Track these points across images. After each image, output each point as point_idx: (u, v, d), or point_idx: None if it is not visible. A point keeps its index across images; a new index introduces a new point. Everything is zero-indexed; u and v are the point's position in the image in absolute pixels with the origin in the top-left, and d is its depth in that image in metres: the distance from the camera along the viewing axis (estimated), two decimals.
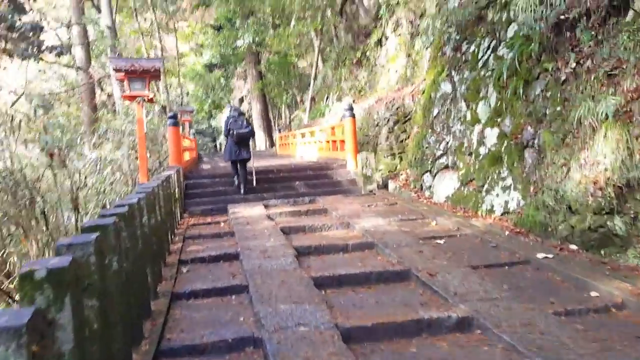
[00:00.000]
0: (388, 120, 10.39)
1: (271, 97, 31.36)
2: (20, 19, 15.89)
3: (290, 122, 32.20)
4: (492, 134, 6.84)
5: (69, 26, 21.51)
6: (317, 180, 9.79)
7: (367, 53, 14.63)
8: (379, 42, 14.02)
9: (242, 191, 8.91)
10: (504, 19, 7.28)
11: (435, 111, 8.55)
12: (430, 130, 8.60)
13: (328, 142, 12.18)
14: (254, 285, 4.14)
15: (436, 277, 4.19)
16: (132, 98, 7.70)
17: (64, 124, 16.27)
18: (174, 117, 9.41)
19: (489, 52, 7.46)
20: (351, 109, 10.13)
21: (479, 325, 3.34)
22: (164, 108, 24.89)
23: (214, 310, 3.93)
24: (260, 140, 29.21)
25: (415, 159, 8.90)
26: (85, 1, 20.73)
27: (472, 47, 7.91)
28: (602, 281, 3.94)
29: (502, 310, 3.49)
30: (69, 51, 22.49)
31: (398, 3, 12.69)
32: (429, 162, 8.37)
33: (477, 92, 7.50)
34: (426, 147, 8.59)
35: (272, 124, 32.35)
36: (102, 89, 23.55)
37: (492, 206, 6.48)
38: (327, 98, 18.19)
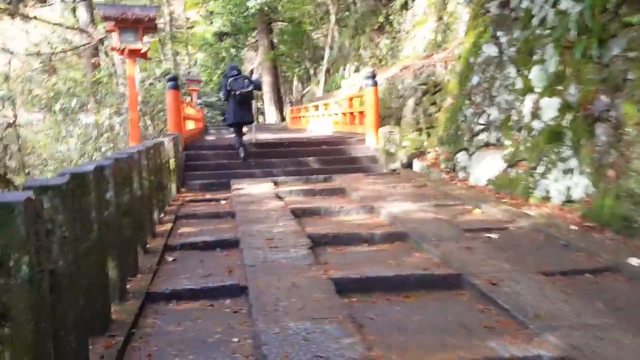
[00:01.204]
0: (415, 90, 9.20)
1: (283, 70, 30.08)
2: None
3: (302, 97, 30.99)
4: (550, 105, 5.65)
5: None
6: (333, 156, 8.67)
7: (390, 18, 13.33)
8: (404, 5, 12.72)
9: (241, 155, 8.14)
10: None
11: (475, 79, 7.35)
12: (467, 102, 7.41)
13: (345, 114, 11.02)
14: (256, 289, 3.08)
15: (500, 286, 3.10)
16: (122, 51, 6.59)
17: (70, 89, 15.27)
18: (174, 79, 8.28)
19: (546, 6, 6.21)
20: (373, 76, 8.94)
21: None
22: (168, 74, 23.77)
23: (200, 321, 2.89)
24: (270, 114, 28.04)
25: (447, 134, 7.73)
26: None
27: (525, 2, 6.66)
28: None
29: (610, 348, 2.39)
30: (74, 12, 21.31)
31: None
32: (465, 138, 7.21)
33: (530, 54, 6.28)
34: (462, 121, 7.41)
35: (283, 97, 31.13)
36: (106, 53, 22.39)
37: (548, 192, 5.33)
38: (343, 69, 16.93)
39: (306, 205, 5.47)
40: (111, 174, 2.96)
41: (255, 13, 24.50)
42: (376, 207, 5.25)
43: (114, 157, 3.18)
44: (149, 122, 11.26)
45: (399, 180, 7.20)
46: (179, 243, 4.10)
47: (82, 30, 18.49)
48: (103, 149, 9.96)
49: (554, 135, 5.48)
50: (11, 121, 16.68)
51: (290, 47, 25.85)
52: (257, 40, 28.97)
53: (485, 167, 6.51)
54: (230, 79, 7.95)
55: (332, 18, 20.45)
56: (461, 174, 7.09)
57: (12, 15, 16.54)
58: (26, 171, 14.73)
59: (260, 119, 33.46)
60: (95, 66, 16.64)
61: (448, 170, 7.42)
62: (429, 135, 8.64)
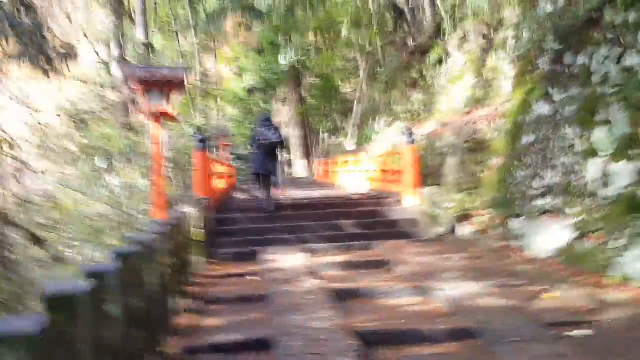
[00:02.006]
0: (457, 148, 8.63)
1: (311, 123, 30.04)
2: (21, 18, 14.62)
3: (329, 149, 30.74)
4: (623, 171, 5.00)
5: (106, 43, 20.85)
6: (370, 219, 8.06)
7: (424, 73, 12.99)
8: (439, 61, 12.36)
9: (270, 208, 8.09)
10: (630, 20, 5.51)
11: (526, 139, 6.76)
12: (518, 163, 6.80)
13: (380, 171, 10.49)
14: None
15: None
16: (150, 114, 6.26)
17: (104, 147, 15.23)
18: (203, 140, 7.93)
19: (608, 62, 5.67)
20: (410, 133, 8.44)
21: None
22: (199, 130, 23.86)
23: None
24: (298, 167, 27.79)
25: (497, 197, 7.08)
26: (124, 18, 19.98)
27: (582, 59, 6.14)
28: None
29: None
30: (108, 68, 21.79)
31: (464, 16, 11.06)
32: (518, 203, 6.54)
33: (592, 114, 5.69)
34: (513, 184, 6.77)
35: (311, 150, 30.95)
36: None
37: (629, 272, 4.59)
38: (373, 122, 16.58)
39: (347, 285, 4.84)
40: (116, 281, 2.38)
41: (286, 70, 24.71)
42: (429, 287, 4.58)
43: (123, 252, 2.62)
44: (179, 181, 10.95)
45: (446, 249, 6.52)
46: (200, 344, 3.47)
47: (114, 88, 18.76)
48: (132, 212, 9.60)
49: (632, 204, 4.79)
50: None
51: (320, 100, 25.83)
52: (286, 96, 29.18)
53: (547, 237, 5.80)
54: (261, 128, 7.94)
55: (362, 73, 20.34)
56: (516, 243, 6.37)
57: (47, 74, 16.86)
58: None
59: (286, 169, 33.32)
60: (127, 125, 16.69)
61: (500, 238, 6.71)
62: (474, 196, 7.98)
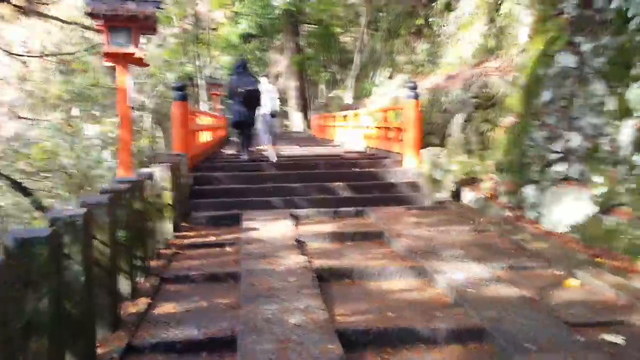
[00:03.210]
0: (465, 104, 7.80)
1: (309, 74, 28.86)
2: None
3: (328, 102, 29.73)
4: None
5: None
6: (366, 181, 7.33)
7: (430, 20, 11.91)
8: (447, 6, 11.30)
9: (245, 157, 8.10)
10: None
11: (547, 95, 5.93)
12: (536, 122, 6.00)
13: (379, 128, 9.69)
14: None
15: None
16: (112, 57, 5.39)
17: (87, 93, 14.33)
18: (180, 88, 7.08)
19: None
20: (414, 87, 7.59)
21: None
22: (190, 79, 22.76)
23: None
24: (296, 120, 26.85)
25: (509, 161, 6.33)
26: None
27: (616, 1, 5.23)
28: None
29: None
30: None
31: None
32: (535, 168, 5.79)
33: (627, 67, 4.86)
34: (529, 146, 5.99)
35: (308, 102, 29.90)
36: None
37: None
38: (373, 75, 15.57)
39: (333, 263, 4.15)
40: (45, 252, 1.72)
41: (281, 15, 23.39)
42: (428, 268, 3.90)
43: (58, 216, 1.92)
44: (160, 134, 10.15)
45: (450, 218, 5.83)
46: (149, 343, 2.79)
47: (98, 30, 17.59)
48: (107, 163, 8.85)
49: None
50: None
51: (318, 50, 24.63)
52: (283, 44, 27.85)
53: (566, 208, 5.08)
54: (234, 77, 7.59)
55: (363, 20, 19.12)
56: (531, 214, 5.67)
57: (27, 14, 15.71)
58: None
59: (283, 123, 32.36)
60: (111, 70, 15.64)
61: (511, 206, 6.00)
62: (482, 158, 7.23)
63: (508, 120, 6.78)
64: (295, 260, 4.05)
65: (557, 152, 5.51)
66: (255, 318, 2.95)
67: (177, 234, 5.16)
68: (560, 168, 5.40)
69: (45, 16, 16.15)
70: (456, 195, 6.96)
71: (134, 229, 3.53)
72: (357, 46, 19.38)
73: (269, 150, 10.64)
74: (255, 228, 5.13)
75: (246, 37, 27.15)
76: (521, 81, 6.65)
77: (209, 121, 10.99)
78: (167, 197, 4.89)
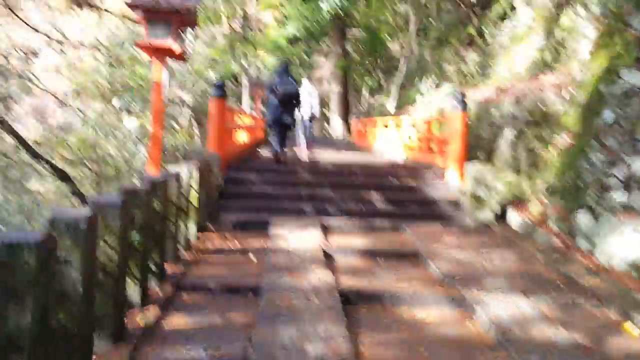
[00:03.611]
0: (516, 119, 7.31)
1: (352, 79, 28.55)
2: None
3: (370, 108, 29.36)
4: None
5: None
6: (403, 193, 6.96)
7: (483, 30, 11.40)
8: (502, 16, 10.76)
9: (280, 159, 7.90)
10: None
11: (609, 115, 5.42)
12: (595, 143, 5.49)
13: (421, 139, 9.28)
14: None
15: None
16: (150, 50, 5.23)
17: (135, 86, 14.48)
18: (220, 86, 6.90)
19: None
20: (462, 98, 7.17)
21: None
22: (236, 79, 22.81)
23: None
24: (336, 125, 26.57)
25: (561, 183, 5.83)
26: None
27: None
28: None
29: None
30: None
31: None
32: (590, 193, 5.29)
33: None
34: (586, 169, 5.49)
35: (350, 108, 29.59)
36: None
37: None
38: (419, 83, 15.10)
39: (363, 284, 3.82)
40: (34, 259, 1.49)
41: (330, 18, 23.19)
42: (469, 298, 3.51)
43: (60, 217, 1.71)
44: (197, 131, 10.06)
45: (494, 242, 5.39)
46: None
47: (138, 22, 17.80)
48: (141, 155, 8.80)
49: None
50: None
51: (363, 55, 24.31)
52: (329, 47, 27.67)
53: (624, 241, 4.58)
54: (276, 77, 7.59)
55: (412, 27, 18.68)
56: (583, 243, 5.17)
57: (80, 5, 16.07)
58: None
59: (322, 127, 32.15)
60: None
61: (561, 233, 5.51)
62: (531, 178, 6.73)
63: (564, 139, 6.27)
64: (321, 276, 3.75)
65: (617, 178, 5.00)
66: (272, 343, 2.65)
67: (202, 236, 4.94)
68: (620, 196, 4.89)
69: (98, 8, 16.48)
70: (501, 216, 6.50)
71: (151, 230, 3.31)
72: (403, 53, 18.94)
73: (303, 152, 10.39)
74: (283, 236, 4.85)
75: (292, 40, 27.14)
76: (580, 98, 6.14)
77: (247, 121, 10.83)
78: (194, 197, 4.68)
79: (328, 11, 19.23)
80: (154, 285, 3.35)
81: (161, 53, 5.28)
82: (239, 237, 5.13)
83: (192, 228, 4.66)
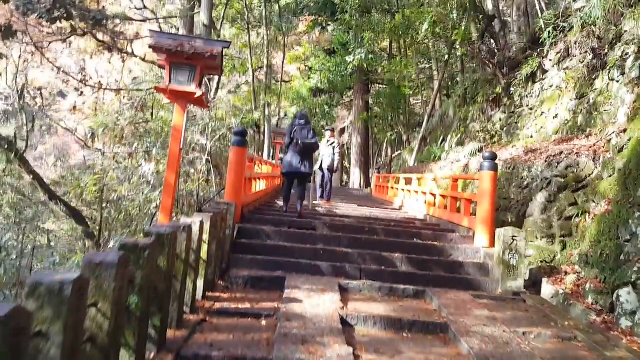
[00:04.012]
0: (549, 182, 6.94)
1: (374, 133, 28.59)
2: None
3: (391, 162, 29.24)
4: None
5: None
6: (428, 255, 6.54)
7: (511, 89, 11.22)
8: (532, 77, 10.59)
9: (296, 215, 7.52)
10: None
11: None
12: (637, 213, 5.08)
13: (446, 197, 8.92)
14: None
15: None
16: (172, 94, 5.07)
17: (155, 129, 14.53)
18: (241, 134, 6.73)
19: None
20: (493, 158, 6.85)
21: None
22: (257, 127, 22.95)
23: None
24: (355, 177, 26.39)
25: (598, 254, 5.38)
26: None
27: None
28: None
29: None
30: None
31: (569, 26, 9.26)
32: (632, 268, 4.84)
33: None
34: (626, 240, 5.06)
35: (371, 161, 29.48)
36: None
37: None
38: (443, 140, 14.89)
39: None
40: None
41: (353, 72, 23.47)
42: None
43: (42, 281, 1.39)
44: (214, 178, 9.89)
45: (527, 315, 4.91)
46: None
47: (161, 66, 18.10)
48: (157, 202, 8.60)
49: None
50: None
51: (386, 109, 24.38)
52: (351, 100, 27.92)
53: None
54: (296, 128, 7.40)
55: (436, 84, 18.70)
56: (625, 322, 4.67)
57: (110, 50, 16.49)
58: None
59: (342, 179, 31.97)
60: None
61: (600, 309, 5.02)
62: (564, 246, 6.28)
63: (601, 206, 5.87)
64: (339, 352, 3.34)
65: None
66: None
67: (210, 294, 4.59)
68: None
69: (126, 53, 16.87)
70: (532, 285, 6.03)
71: (153, 290, 2.98)
72: (427, 109, 18.87)
73: (321, 205, 10.11)
74: (298, 299, 4.47)
75: (316, 91, 27.46)
76: (618, 164, 5.78)
77: (266, 170, 10.65)
78: (204, 251, 4.36)
79: (352, 64, 19.40)
80: (150, 354, 2.98)
81: (182, 98, 5.11)
82: (250, 296, 4.76)
83: (200, 286, 4.32)
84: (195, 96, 5.02)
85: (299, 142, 7.25)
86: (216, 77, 16.49)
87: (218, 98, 18.48)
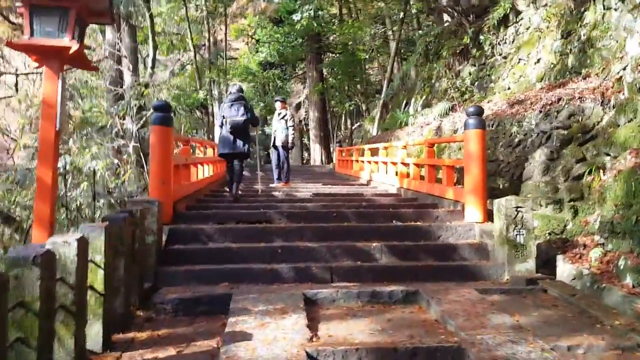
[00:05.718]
0: (548, 136, 5.75)
1: (331, 105, 27.18)
2: None
3: (351, 134, 28.01)
4: None
5: None
6: (411, 240, 5.27)
7: (480, 38, 9.98)
8: (503, 21, 9.37)
9: (232, 197, 6.93)
10: None
11: None
12: None
13: (419, 166, 7.67)
14: None
15: None
16: (36, 52, 3.50)
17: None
18: (162, 108, 5.22)
19: None
20: (479, 113, 5.60)
21: None
22: (204, 107, 21.15)
23: None
24: (315, 153, 25.02)
25: (633, 221, 4.21)
26: None
27: None
28: None
29: None
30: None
31: None
32: None
33: None
34: None
35: (331, 135, 28.12)
36: None
37: None
38: (407, 104, 13.63)
39: None
40: None
41: (304, 41, 21.89)
42: None
43: None
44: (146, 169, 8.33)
45: (559, 314, 3.70)
46: None
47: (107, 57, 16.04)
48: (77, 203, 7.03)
49: None
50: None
51: (342, 79, 22.99)
52: (305, 72, 26.34)
53: None
54: (226, 104, 6.82)
55: (393, 45, 17.38)
56: None
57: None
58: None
59: (303, 156, 30.55)
60: (115, 95, 13.96)
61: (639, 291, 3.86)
62: (575, 212, 5.12)
63: (620, 160, 4.71)
64: None
65: None
66: None
67: (120, 336, 3.17)
68: None
69: None
70: (543, 265, 4.86)
71: None
72: (385, 75, 17.57)
73: (278, 188, 8.83)
74: (247, 333, 3.09)
75: (266, 65, 25.70)
76: (638, 104, 4.61)
77: (209, 153, 9.08)
78: (99, 280, 2.92)
79: (300, 24, 17.63)
80: None
81: (51, 56, 3.55)
82: (180, 330, 3.37)
83: (95, 333, 2.88)
84: (71, 51, 3.48)
85: (228, 120, 6.67)
86: (150, 53, 14.65)
87: (160, 79, 16.65)
